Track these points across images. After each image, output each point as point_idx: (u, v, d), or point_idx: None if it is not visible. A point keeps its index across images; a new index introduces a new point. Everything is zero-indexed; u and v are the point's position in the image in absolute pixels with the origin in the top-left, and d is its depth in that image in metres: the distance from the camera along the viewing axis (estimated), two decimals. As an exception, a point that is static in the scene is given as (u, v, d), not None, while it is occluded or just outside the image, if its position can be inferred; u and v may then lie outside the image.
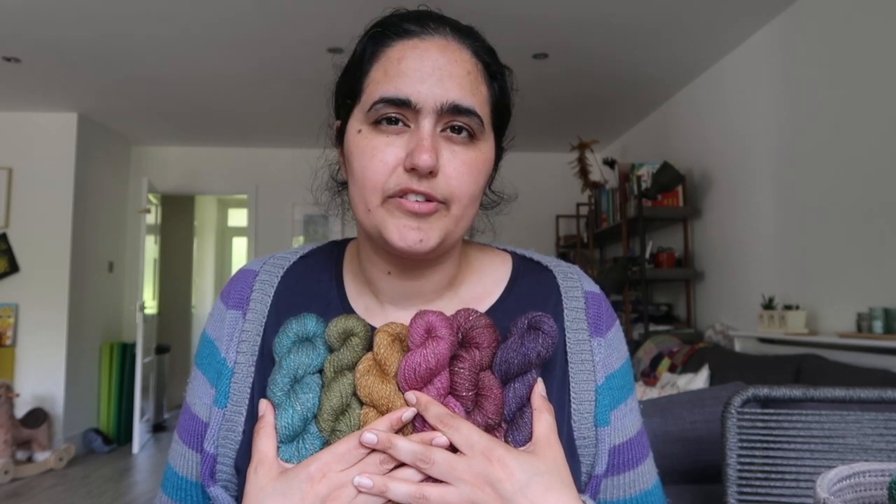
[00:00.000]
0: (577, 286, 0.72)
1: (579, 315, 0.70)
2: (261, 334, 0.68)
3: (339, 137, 0.68)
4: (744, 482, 1.27)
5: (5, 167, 4.75)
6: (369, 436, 0.56)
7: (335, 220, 5.67)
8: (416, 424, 0.59)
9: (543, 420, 0.61)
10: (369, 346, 0.63)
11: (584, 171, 4.80)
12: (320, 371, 0.63)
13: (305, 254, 0.75)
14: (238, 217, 8.18)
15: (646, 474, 0.70)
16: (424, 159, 0.58)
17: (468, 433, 0.57)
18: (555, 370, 0.67)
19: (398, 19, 0.64)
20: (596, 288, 0.74)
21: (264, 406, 0.62)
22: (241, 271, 0.74)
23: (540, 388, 0.63)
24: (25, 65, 3.83)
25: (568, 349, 0.68)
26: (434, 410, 0.57)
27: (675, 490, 1.59)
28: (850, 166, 2.60)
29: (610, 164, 4.48)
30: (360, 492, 0.55)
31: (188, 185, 5.80)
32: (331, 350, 0.64)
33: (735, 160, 3.49)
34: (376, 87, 0.61)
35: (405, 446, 0.56)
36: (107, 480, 4.16)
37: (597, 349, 0.69)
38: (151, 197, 5.28)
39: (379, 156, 0.60)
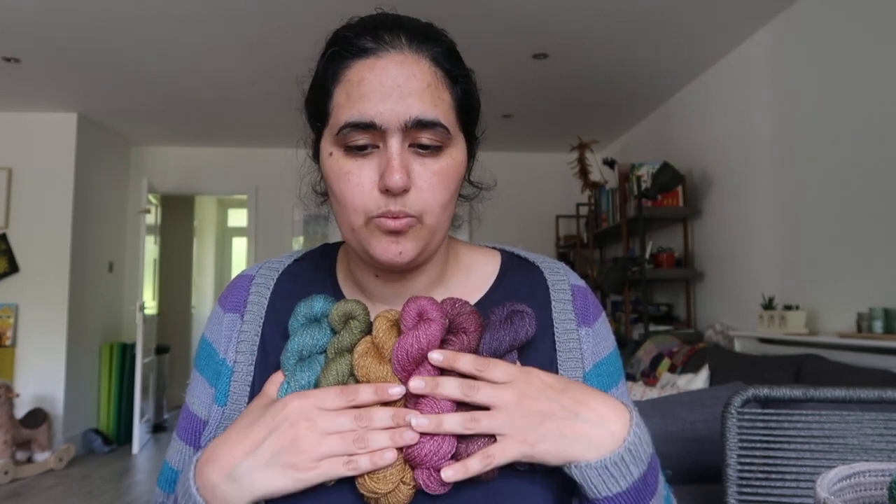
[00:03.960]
0: (563, 279, 0.75)
1: (566, 306, 0.73)
2: (259, 334, 0.71)
3: (316, 150, 0.70)
4: (744, 482, 1.27)
5: (5, 167, 4.75)
6: (417, 382, 0.59)
7: (335, 221, 5.66)
8: (407, 404, 0.61)
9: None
10: (369, 330, 0.66)
11: (584, 171, 4.80)
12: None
13: (299, 257, 0.79)
14: (238, 217, 8.18)
15: None
16: (395, 180, 0.60)
17: (504, 367, 0.60)
18: (542, 359, 0.69)
19: (353, 34, 0.64)
20: (581, 282, 0.77)
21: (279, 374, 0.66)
22: (237, 277, 0.77)
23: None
24: (25, 65, 3.83)
25: (556, 339, 0.71)
26: (465, 361, 0.60)
27: (675, 490, 1.59)
28: (850, 166, 2.60)
29: (610, 164, 4.48)
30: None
31: (188, 185, 5.80)
32: (334, 332, 0.67)
33: (735, 160, 3.49)
34: (341, 111, 0.62)
35: (450, 381, 0.59)
36: (107, 481, 4.16)
37: (584, 338, 0.71)
38: (151, 197, 5.28)
39: (354, 180, 0.62)
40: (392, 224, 0.62)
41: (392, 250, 0.63)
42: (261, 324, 0.71)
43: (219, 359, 0.71)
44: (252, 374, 0.69)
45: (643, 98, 4.38)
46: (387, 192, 0.61)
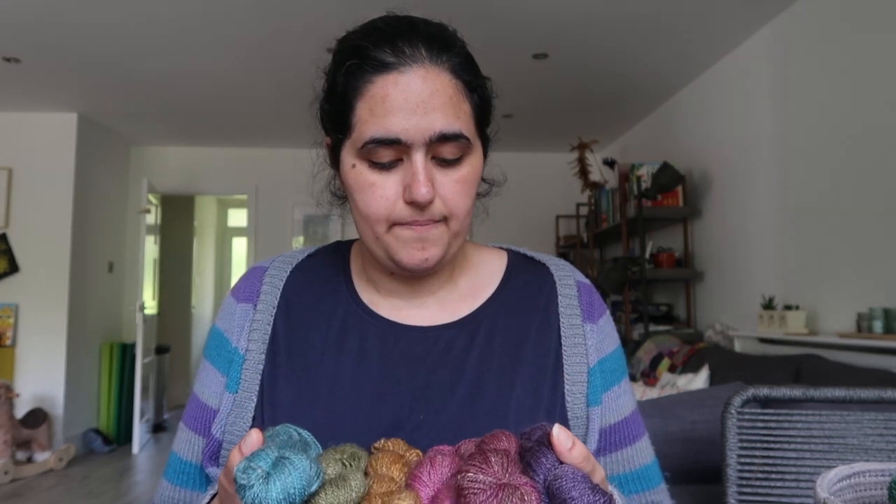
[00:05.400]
0: (569, 275, 0.77)
1: (572, 302, 0.74)
2: (271, 324, 0.72)
3: (332, 155, 0.70)
4: (744, 482, 1.27)
5: (5, 167, 4.75)
6: None
7: (335, 221, 5.67)
8: None
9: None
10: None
11: (584, 171, 4.80)
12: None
13: (312, 252, 0.80)
14: (238, 217, 8.18)
15: (643, 450, 0.74)
16: (422, 193, 0.61)
17: None
18: (549, 353, 0.71)
19: (371, 45, 0.63)
20: (587, 280, 0.79)
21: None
22: (251, 269, 0.78)
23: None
24: (25, 65, 3.83)
25: (562, 333, 0.72)
26: None
27: (676, 490, 1.59)
28: (850, 166, 2.60)
29: (610, 164, 4.48)
30: None
31: (188, 185, 5.80)
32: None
33: (735, 160, 3.49)
34: (365, 126, 0.62)
35: None
36: (107, 481, 4.16)
37: (589, 334, 0.73)
38: (151, 197, 5.28)
39: (378, 192, 0.64)
40: (419, 228, 0.64)
41: (418, 257, 0.65)
42: (273, 314, 0.73)
43: (231, 347, 0.72)
44: (263, 362, 0.70)
45: (643, 98, 4.38)
46: (412, 203, 0.63)
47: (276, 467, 0.46)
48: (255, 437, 0.50)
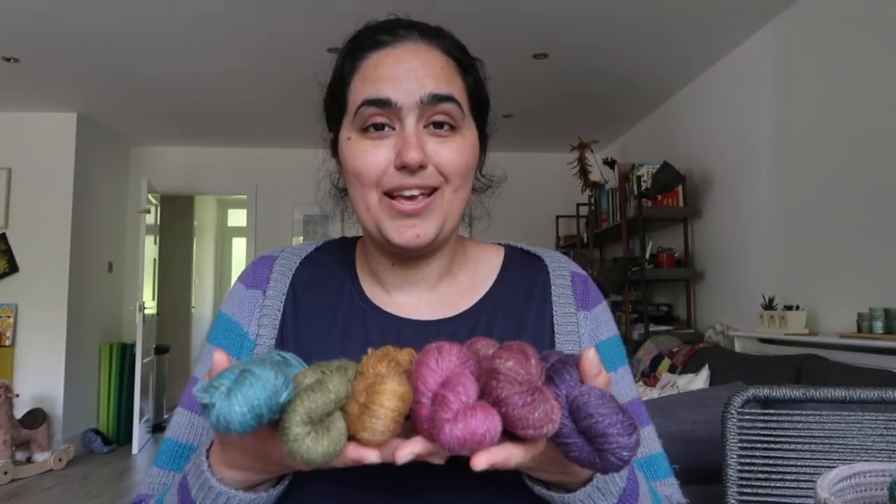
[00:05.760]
0: (563, 266, 0.78)
1: (566, 291, 0.75)
2: (281, 310, 0.73)
3: (334, 148, 0.73)
4: (744, 482, 1.27)
5: (5, 167, 4.75)
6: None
7: (335, 221, 5.67)
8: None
9: None
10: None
11: (584, 171, 4.80)
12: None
13: (319, 246, 0.81)
14: (238, 217, 8.18)
15: (646, 439, 0.72)
16: (412, 156, 0.62)
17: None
18: (540, 342, 0.72)
19: (370, 31, 0.68)
20: (582, 271, 0.79)
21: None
22: (259, 257, 0.80)
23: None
24: (25, 65, 3.83)
25: (555, 321, 0.73)
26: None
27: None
28: (850, 166, 2.60)
29: (610, 164, 4.48)
30: None
31: (188, 185, 5.80)
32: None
33: (735, 160, 3.49)
34: (358, 93, 0.66)
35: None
36: (106, 481, 4.16)
37: (583, 322, 0.73)
38: (151, 197, 5.27)
39: (370, 157, 0.65)
40: (409, 207, 0.64)
41: (409, 234, 0.65)
42: (282, 300, 0.74)
43: (242, 331, 0.73)
44: (273, 347, 0.71)
45: (643, 98, 4.38)
46: (403, 169, 0.63)
47: (237, 382, 0.43)
48: (218, 358, 0.48)
